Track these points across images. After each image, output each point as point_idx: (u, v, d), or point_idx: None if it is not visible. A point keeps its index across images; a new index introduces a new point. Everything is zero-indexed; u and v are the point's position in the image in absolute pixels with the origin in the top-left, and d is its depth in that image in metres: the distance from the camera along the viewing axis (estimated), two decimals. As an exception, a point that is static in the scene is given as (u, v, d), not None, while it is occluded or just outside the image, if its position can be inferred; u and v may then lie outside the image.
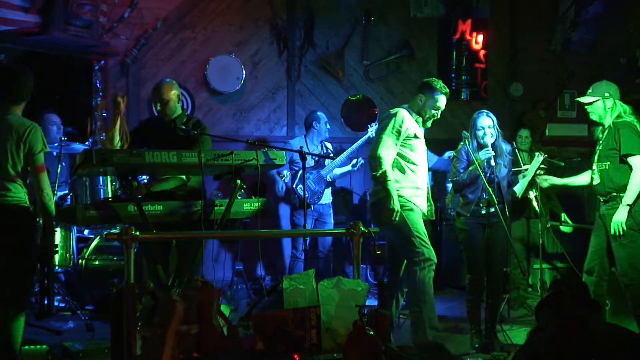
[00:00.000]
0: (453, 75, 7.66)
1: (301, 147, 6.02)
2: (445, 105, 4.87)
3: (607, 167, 5.00)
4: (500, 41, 7.96)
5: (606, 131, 5.03)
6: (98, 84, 6.99)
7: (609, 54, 7.92)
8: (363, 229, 4.10)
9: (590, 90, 5.09)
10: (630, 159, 4.86)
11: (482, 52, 7.63)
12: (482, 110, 5.10)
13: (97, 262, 6.00)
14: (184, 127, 4.76)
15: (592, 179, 5.10)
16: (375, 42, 7.72)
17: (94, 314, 5.78)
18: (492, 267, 5.00)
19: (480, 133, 5.00)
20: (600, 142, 5.06)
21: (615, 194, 4.93)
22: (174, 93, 4.73)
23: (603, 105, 5.01)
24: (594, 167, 5.07)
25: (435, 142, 7.75)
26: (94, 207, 4.13)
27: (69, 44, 6.55)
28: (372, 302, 5.06)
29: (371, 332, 3.31)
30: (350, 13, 7.61)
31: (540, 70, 7.97)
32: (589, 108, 5.08)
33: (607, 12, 7.75)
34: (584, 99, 5.08)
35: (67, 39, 6.36)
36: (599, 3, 7.70)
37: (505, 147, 5.11)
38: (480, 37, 7.56)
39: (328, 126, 6.70)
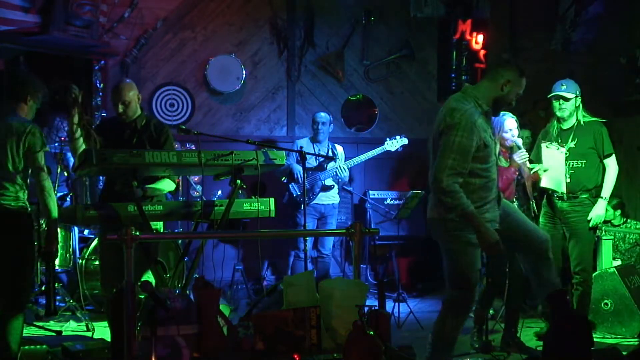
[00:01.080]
0: (453, 75, 7.63)
1: (301, 147, 6.03)
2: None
3: (583, 165, 5.10)
4: (500, 41, 7.95)
5: (574, 130, 5.14)
6: (98, 84, 6.99)
7: (609, 54, 7.91)
8: (363, 229, 4.10)
9: (564, 86, 5.14)
10: (609, 159, 5.11)
11: (482, 52, 7.61)
12: (504, 112, 5.06)
13: (97, 262, 5.99)
14: (183, 127, 4.78)
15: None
16: (375, 42, 7.72)
17: (94, 314, 5.78)
18: (514, 267, 4.94)
19: (508, 135, 4.94)
20: (569, 140, 5.13)
21: (584, 191, 5.09)
22: (134, 93, 4.63)
23: (575, 102, 5.11)
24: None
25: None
26: (94, 207, 4.13)
27: (69, 44, 6.55)
28: (372, 302, 5.07)
29: (371, 332, 3.31)
30: (350, 13, 7.61)
31: (540, 70, 7.96)
32: (564, 104, 5.13)
33: (607, 12, 7.74)
34: (566, 94, 5.11)
35: (67, 39, 6.36)
36: (599, 3, 7.69)
37: None
38: (480, 37, 7.55)
39: (327, 127, 6.68)
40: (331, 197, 6.69)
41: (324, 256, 6.69)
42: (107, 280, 4.48)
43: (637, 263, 6.23)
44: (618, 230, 6.47)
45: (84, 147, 4.30)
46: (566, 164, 5.11)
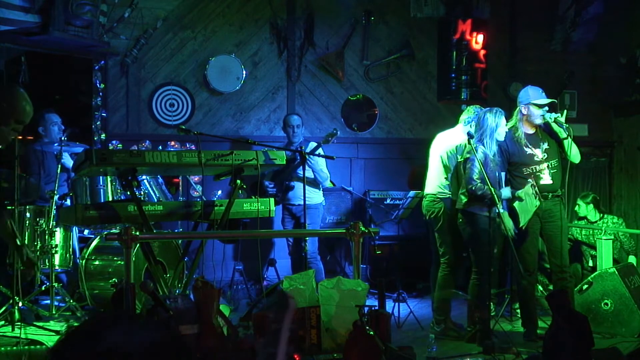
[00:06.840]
0: (453, 75, 7.64)
1: (301, 147, 6.01)
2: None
3: (558, 164, 5.22)
4: (500, 41, 7.95)
5: (539, 132, 5.23)
6: (98, 84, 6.99)
7: (609, 54, 7.91)
8: (363, 229, 4.10)
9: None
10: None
11: (482, 52, 7.61)
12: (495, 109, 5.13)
13: (97, 262, 5.99)
14: (183, 127, 4.78)
15: (539, 177, 5.16)
16: (375, 42, 7.72)
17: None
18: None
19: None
20: (541, 143, 5.20)
21: (560, 189, 5.21)
22: None
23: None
24: (544, 165, 5.18)
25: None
26: (94, 207, 4.13)
27: (69, 44, 6.55)
28: (372, 302, 5.07)
29: (371, 332, 3.32)
30: (350, 13, 7.60)
31: (540, 70, 7.96)
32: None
33: (607, 12, 7.75)
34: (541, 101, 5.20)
35: (67, 39, 6.36)
36: (599, 3, 7.70)
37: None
38: (480, 37, 7.55)
39: (302, 129, 6.61)
40: (299, 198, 6.15)
41: (314, 260, 6.61)
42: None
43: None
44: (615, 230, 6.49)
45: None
46: (548, 164, 5.16)
